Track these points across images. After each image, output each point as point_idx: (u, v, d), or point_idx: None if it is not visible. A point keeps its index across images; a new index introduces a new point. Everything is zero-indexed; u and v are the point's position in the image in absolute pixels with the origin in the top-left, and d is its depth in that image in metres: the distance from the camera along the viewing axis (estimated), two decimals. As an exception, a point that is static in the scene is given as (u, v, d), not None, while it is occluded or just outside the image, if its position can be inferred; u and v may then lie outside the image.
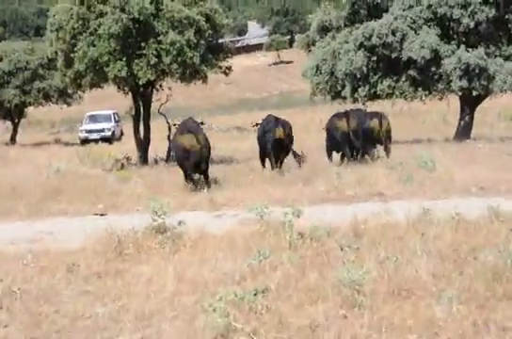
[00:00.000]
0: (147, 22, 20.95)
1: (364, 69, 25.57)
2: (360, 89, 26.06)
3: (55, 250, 9.47)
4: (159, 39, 20.92)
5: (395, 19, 25.30)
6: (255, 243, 9.12)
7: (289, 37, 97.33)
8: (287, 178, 14.76)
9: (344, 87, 26.54)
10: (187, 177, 14.55)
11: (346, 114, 17.11)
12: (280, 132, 15.83)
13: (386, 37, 25.04)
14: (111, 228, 9.67)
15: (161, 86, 23.10)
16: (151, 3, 20.86)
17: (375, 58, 25.63)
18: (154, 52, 20.86)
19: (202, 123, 15.99)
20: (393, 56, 25.35)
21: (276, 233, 9.52)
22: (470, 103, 26.82)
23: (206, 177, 14.65)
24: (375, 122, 16.96)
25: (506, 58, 25.20)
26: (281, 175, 15.24)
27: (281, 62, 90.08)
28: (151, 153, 22.59)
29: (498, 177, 13.10)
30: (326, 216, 10.51)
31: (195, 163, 14.27)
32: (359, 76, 25.77)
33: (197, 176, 14.64)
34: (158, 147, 23.08)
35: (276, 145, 15.89)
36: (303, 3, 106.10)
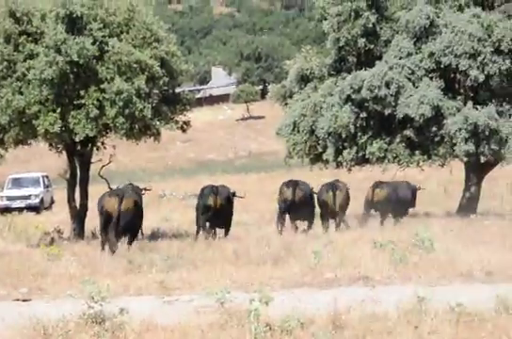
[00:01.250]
0: (88, 66, 21.32)
1: (351, 127, 26.07)
2: (345, 152, 26.48)
3: (-36, 345, 9.51)
4: (102, 86, 21.26)
5: (390, 68, 26.00)
6: (214, 336, 9.26)
7: (261, 87, 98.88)
8: (254, 257, 15.00)
9: (325, 148, 26.98)
10: (104, 242, 17.77)
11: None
12: (211, 199, 19.55)
13: (378, 89, 25.65)
14: (36, 317, 9.75)
15: (103, 143, 23.35)
16: (93, 43, 21.20)
17: (364, 115, 26.16)
18: (96, 102, 21.18)
19: (146, 189, 19.60)
20: (387, 112, 25.92)
21: (239, 324, 9.70)
22: (477, 171, 27.41)
23: (129, 242, 17.92)
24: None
25: (523, 119, 25.90)
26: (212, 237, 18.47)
27: (251, 117, 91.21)
28: (88, 225, 22.69)
29: (508, 260, 13.44)
30: (300, 303, 10.70)
31: (117, 227, 17.44)
32: (344, 136, 26.24)
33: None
34: (97, 217, 23.20)
35: (207, 212, 19.54)
36: (279, 47, 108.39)
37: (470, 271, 12.88)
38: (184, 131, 23.78)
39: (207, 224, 19.79)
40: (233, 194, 20.54)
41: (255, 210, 28.39)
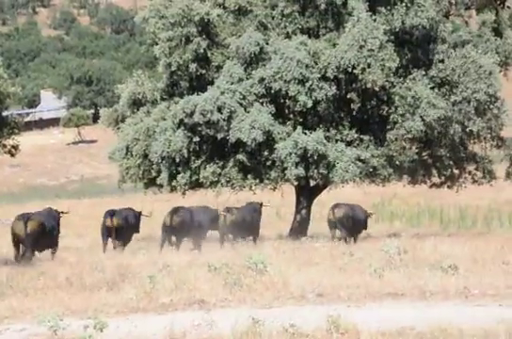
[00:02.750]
0: None
1: (185, 151, 26.21)
2: (179, 176, 26.58)
3: None
4: None
5: (222, 93, 26.30)
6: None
7: (92, 111, 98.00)
8: (88, 283, 14.80)
9: (159, 172, 27.00)
10: (16, 257, 20.01)
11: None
12: (109, 221, 22.29)
13: (211, 114, 25.90)
14: None
15: None
16: None
17: (197, 139, 26.36)
18: None
19: (64, 213, 21.71)
20: (220, 136, 26.20)
21: (73, 351, 9.54)
22: (307, 194, 28.11)
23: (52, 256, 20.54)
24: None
25: (348, 144, 26.73)
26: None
27: (83, 141, 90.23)
28: None
29: (338, 281, 13.83)
30: (136, 329, 10.64)
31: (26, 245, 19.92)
32: (178, 160, 26.34)
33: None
34: None
35: (107, 233, 22.23)
36: (111, 71, 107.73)
37: (302, 293, 13.18)
38: (12, 155, 23.28)
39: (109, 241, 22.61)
40: (139, 213, 23.67)
41: (88, 235, 28.02)
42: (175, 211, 23.27)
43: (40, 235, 20.12)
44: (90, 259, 17.96)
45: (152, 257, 18.21)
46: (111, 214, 22.71)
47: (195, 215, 23.45)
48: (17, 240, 20.15)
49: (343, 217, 23.86)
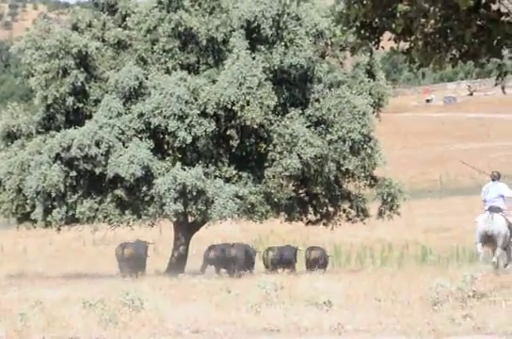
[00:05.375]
0: None
1: (61, 186, 25.86)
2: (54, 211, 26.17)
3: None
4: None
5: (100, 128, 26.14)
6: None
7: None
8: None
9: (34, 207, 26.54)
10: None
11: None
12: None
13: (88, 148, 25.72)
14: None
15: None
16: None
17: (74, 174, 26.09)
18: None
19: (149, 243, 26.85)
20: (97, 171, 26.01)
21: None
22: (185, 230, 28.11)
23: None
24: None
25: (227, 180, 26.91)
26: None
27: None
28: None
29: (214, 317, 13.85)
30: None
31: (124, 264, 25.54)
32: (53, 195, 25.96)
33: None
34: None
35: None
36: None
37: (178, 329, 13.14)
38: None
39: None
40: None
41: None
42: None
43: (133, 259, 25.39)
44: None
45: (23, 294, 17.80)
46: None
47: None
48: (119, 260, 25.72)
49: (319, 258, 26.61)
